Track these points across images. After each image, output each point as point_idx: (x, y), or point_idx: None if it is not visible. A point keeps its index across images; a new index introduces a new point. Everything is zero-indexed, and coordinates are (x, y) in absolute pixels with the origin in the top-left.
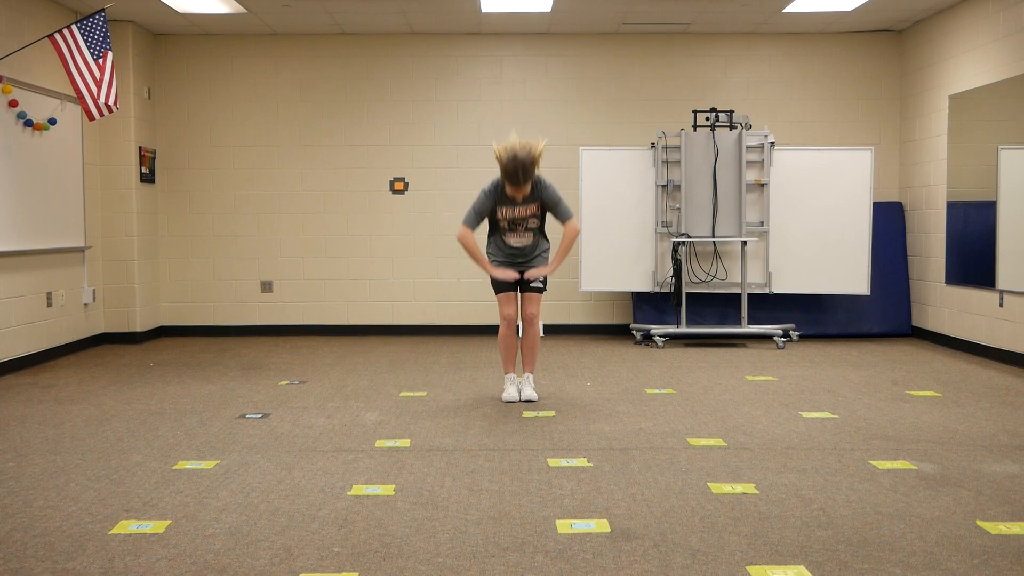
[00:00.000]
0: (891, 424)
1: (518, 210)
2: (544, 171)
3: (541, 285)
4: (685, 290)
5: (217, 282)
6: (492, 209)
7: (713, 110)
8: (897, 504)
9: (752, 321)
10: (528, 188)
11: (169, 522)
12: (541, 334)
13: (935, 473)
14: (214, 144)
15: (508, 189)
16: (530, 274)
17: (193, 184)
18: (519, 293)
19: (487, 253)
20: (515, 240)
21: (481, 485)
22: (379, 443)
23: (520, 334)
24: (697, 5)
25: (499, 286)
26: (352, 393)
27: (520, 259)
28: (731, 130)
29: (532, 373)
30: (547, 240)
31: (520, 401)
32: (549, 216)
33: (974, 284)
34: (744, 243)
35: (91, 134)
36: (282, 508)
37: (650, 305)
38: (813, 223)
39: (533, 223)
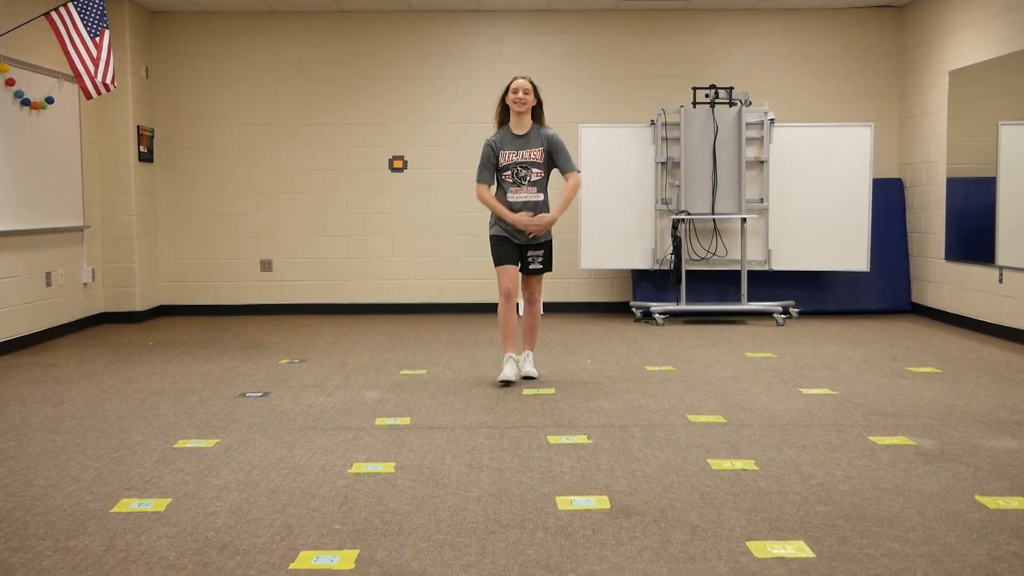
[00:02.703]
0: (890, 400)
1: (522, 153)
2: None
3: (541, 267)
4: (685, 267)
5: (216, 261)
6: (496, 159)
7: (713, 87)
8: (896, 479)
9: (752, 298)
10: (532, 97)
11: (170, 500)
12: (541, 312)
13: (934, 449)
14: (212, 123)
15: (510, 98)
16: (533, 228)
17: (192, 163)
18: (523, 273)
19: (491, 226)
20: (517, 196)
21: (481, 462)
22: (379, 421)
23: (520, 312)
24: None
25: (499, 257)
26: (352, 371)
27: (515, 234)
28: (731, 107)
29: (532, 351)
30: (550, 209)
31: (521, 378)
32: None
33: (974, 260)
34: (744, 220)
35: (89, 113)
36: (283, 486)
37: (650, 282)
38: (813, 200)
39: (537, 174)
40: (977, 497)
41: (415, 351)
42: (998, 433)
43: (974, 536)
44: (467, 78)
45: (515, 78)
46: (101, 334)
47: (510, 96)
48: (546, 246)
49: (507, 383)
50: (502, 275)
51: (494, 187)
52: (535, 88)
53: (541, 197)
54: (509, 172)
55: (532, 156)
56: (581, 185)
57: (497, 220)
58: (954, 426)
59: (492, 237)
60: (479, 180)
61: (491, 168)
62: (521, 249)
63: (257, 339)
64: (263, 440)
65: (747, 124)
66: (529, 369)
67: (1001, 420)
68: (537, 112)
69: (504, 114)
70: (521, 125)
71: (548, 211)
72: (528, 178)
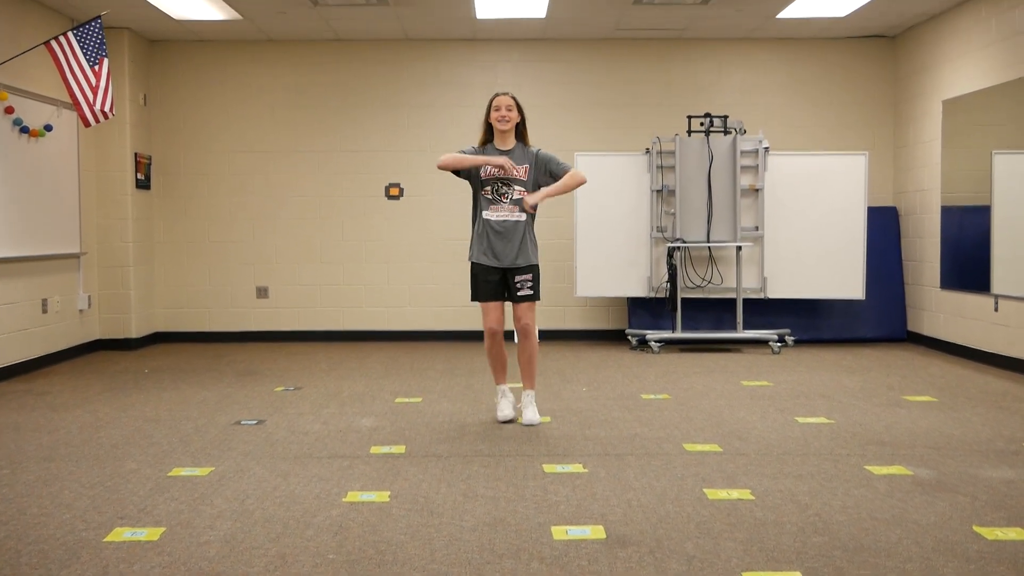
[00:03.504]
0: (887, 429)
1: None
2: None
3: (532, 292)
4: (680, 295)
5: (212, 288)
6: (476, 170)
7: (707, 115)
8: (893, 510)
9: (747, 326)
10: (516, 113)
11: (164, 529)
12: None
13: (931, 478)
14: (209, 150)
15: (494, 116)
16: (508, 168)
17: (188, 190)
18: (512, 302)
19: (470, 252)
20: (496, 214)
21: (476, 491)
22: (374, 449)
23: (516, 343)
24: (691, 11)
25: (478, 294)
26: (347, 399)
27: (502, 247)
28: (725, 135)
29: (533, 390)
30: (534, 233)
31: (523, 424)
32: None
33: (969, 289)
34: (739, 248)
35: (87, 140)
36: (277, 515)
37: (645, 310)
38: (808, 228)
39: (519, 192)
40: (975, 528)
41: (410, 379)
42: (995, 463)
43: (972, 567)
44: (462, 106)
45: (496, 95)
46: (96, 361)
47: (493, 114)
48: (532, 270)
49: (507, 421)
50: (485, 313)
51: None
52: (518, 104)
53: (523, 217)
54: (490, 188)
55: (515, 173)
56: (585, 180)
57: (474, 244)
58: (951, 456)
59: (472, 266)
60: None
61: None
62: (505, 276)
63: (252, 366)
64: (258, 468)
65: (742, 152)
66: (531, 416)
67: (998, 450)
68: (521, 129)
69: (488, 134)
70: (505, 142)
71: (530, 235)
72: (510, 195)
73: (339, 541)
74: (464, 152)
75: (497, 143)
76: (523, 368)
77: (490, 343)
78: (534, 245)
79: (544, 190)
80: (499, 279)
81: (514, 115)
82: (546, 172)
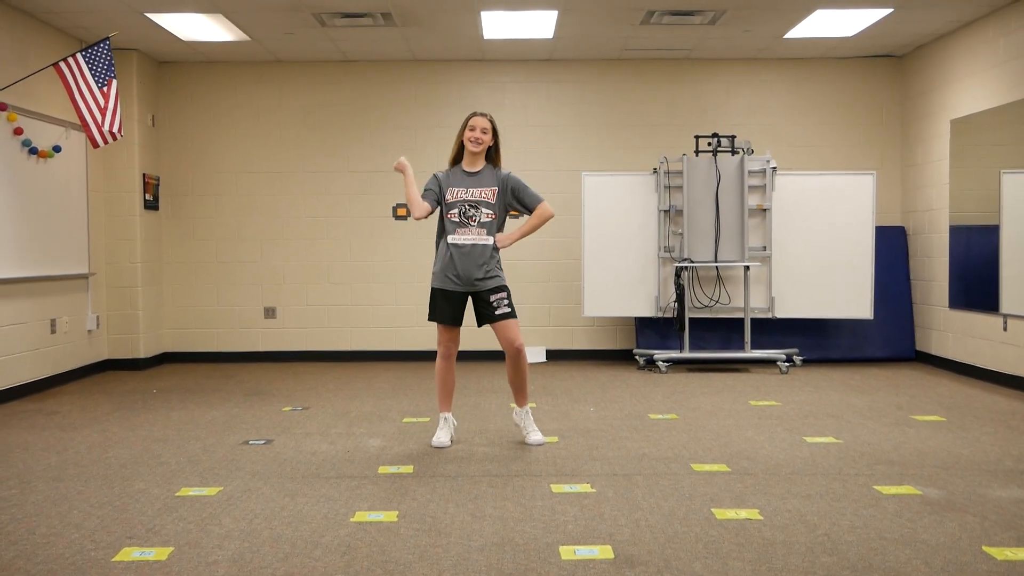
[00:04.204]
0: (895, 449)
1: (472, 191)
2: (546, 196)
3: (510, 310)
4: (688, 315)
5: (220, 308)
6: (441, 193)
7: (715, 135)
8: (902, 530)
9: (755, 346)
10: (490, 137)
11: (172, 549)
12: (543, 359)
13: (940, 498)
14: (217, 171)
15: (467, 135)
16: (499, 241)
17: (196, 210)
18: (492, 323)
19: (433, 272)
20: (463, 237)
21: (484, 511)
22: (382, 469)
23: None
24: (699, 31)
25: (434, 312)
26: (355, 419)
27: (467, 269)
28: (733, 155)
29: (525, 406)
30: (498, 258)
31: (531, 444)
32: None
33: (978, 308)
34: (747, 268)
35: (95, 161)
36: (285, 535)
37: (653, 330)
38: (816, 248)
39: (487, 215)
40: (984, 548)
41: (418, 399)
42: (1004, 482)
43: None
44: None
45: (473, 114)
46: (105, 381)
47: (467, 134)
48: (504, 288)
49: (441, 448)
50: (440, 333)
51: (434, 219)
52: (494, 128)
53: (490, 240)
54: (456, 211)
55: (483, 195)
56: (553, 215)
57: (440, 272)
58: (960, 475)
59: (432, 290)
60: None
61: (430, 195)
62: (475, 300)
63: (260, 386)
64: (265, 488)
65: (749, 172)
66: (537, 437)
67: (1007, 469)
68: (492, 153)
69: (459, 151)
70: (474, 164)
71: (496, 257)
72: (477, 218)
73: (347, 561)
74: (428, 185)
75: (465, 164)
76: (518, 388)
77: (444, 366)
78: (499, 266)
79: (517, 232)
80: (459, 302)
81: (487, 138)
82: (513, 197)
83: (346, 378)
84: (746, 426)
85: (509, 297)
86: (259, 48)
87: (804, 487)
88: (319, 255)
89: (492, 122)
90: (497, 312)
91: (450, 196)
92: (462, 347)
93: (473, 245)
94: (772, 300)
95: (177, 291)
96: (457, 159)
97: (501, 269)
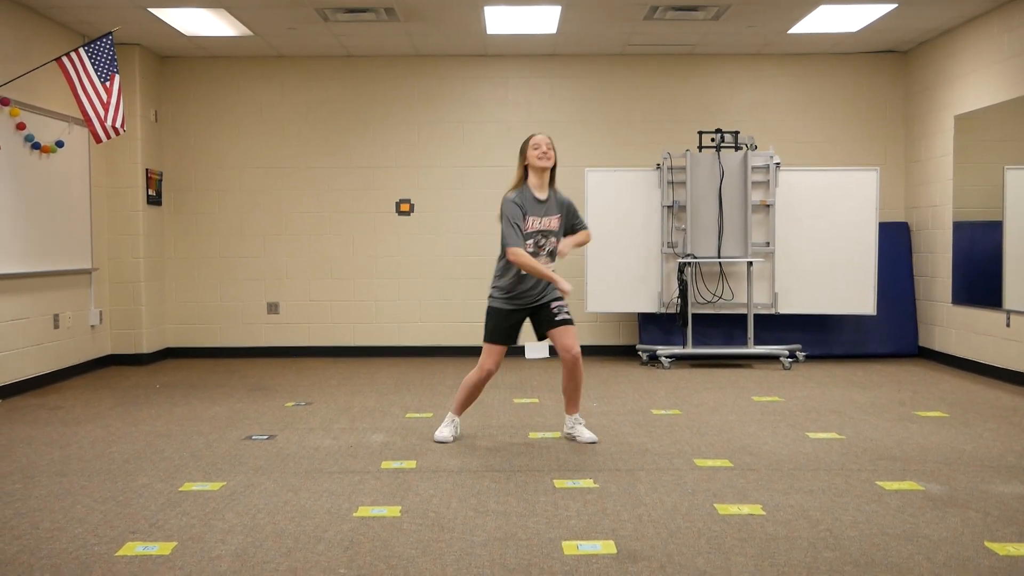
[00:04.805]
0: (898, 445)
1: (544, 221)
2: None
3: (570, 316)
4: (691, 311)
5: (223, 304)
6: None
7: (718, 131)
8: (904, 525)
9: (758, 341)
10: (553, 152)
11: (175, 544)
12: (547, 355)
13: (942, 494)
14: (220, 166)
15: (533, 154)
16: (560, 251)
17: (199, 206)
18: (553, 328)
19: (495, 297)
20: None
21: (487, 506)
22: (385, 464)
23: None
24: (702, 27)
25: (496, 334)
26: (358, 414)
27: (532, 299)
28: (736, 151)
29: (575, 414)
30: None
31: (585, 443)
32: None
33: (981, 304)
34: (750, 264)
35: (98, 156)
36: (288, 530)
37: (656, 326)
38: (819, 243)
39: (553, 243)
40: (986, 543)
41: (421, 394)
42: (1007, 478)
43: None
44: (473, 122)
45: (533, 135)
46: (108, 376)
47: (532, 152)
48: (561, 299)
49: (441, 443)
50: (490, 353)
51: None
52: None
53: (552, 265)
54: (531, 241)
55: (552, 224)
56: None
57: (507, 293)
58: (962, 471)
59: (494, 310)
60: (511, 244)
61: (523, 229)
62: (535, 313)
63: (263, 381)
64: (269, 483)
65: (753, 168)
66: (590, 435)
67: (1010, 465)
68: (552, 173)
69: (523, 173)
70: (542, 187)
71: (554, 288)
72: (546, 248)
73: (350, 556)
74: (514, 203)
75: (535, 187)
76: (571, 396)
77: (480, 381)
78: (556, 291)
79: (572, 242)
80: (520, 320)
81: (553, 154)
82: (568, 220)
83: (349, 373)
84: (749, 422)
85: (567, 306)
86: (262, 43)
87: (807, 483)
88: (322, 250)
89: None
90: (558, 318)
91: (528, 225)
92: (461, 342)
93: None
94: (775, 296)
95: (180, 286)
96: (522, 181)
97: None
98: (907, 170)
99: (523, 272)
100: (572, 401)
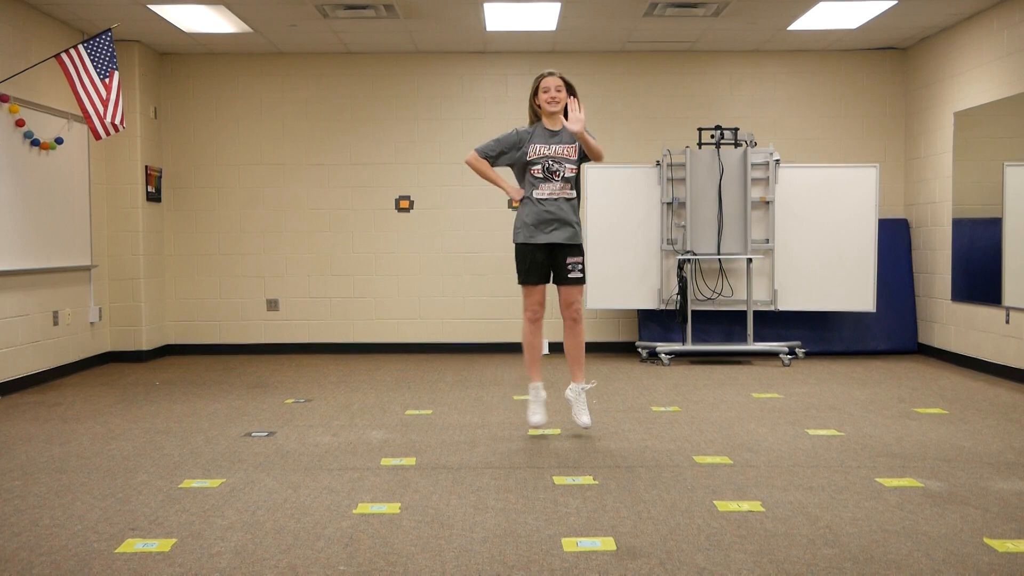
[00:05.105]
0: (897, 441)
1: (555, 148)
2: None
3: (582, 275)
4: (691, 307)
5: (223, 300)
6: (521, 150)
7: (718, 128)
8: (904, 522)
9: (758, 338)
10: (564, 94)
11: (175, 541)
12: (546, 352)
13: (942, 491)
14: (220, 163)
15: (542, 98)
16: (571, 118)
17: (199, 203)
18: (559, 284)
19: (515, 231)
20: (548, 191)
21: (487, 503)
22: (385, 461)
23: (554, 335)
24: (702, 23)
25: (525, 273)
26: (358, 411)
27: (552, 224)
28: (736, 147)
29: (583, 384)
30: (578, 212)
31: (582, 427)
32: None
33: (980, 301)
34: (749, 260)
35: (97, 153)
36: (287, 526)
37: (655, 322)
38: (819, 240)
39: (571, 170)
40: (986, 540)
41: (421, 391)
42: (1006, 475)
43: None
44: (472, 118)
45: (543, 75)
46: (107, 373)
47: (542, 95)
48: (581, 252)
49: (539, 427)
50: (528, 296)
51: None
52: (567, 83)
53: (574, 194)
54: (539, 166)
55: (566, 152)
56: (602, 159)
57: (521, 222)
58: (962, 468)
59: (519, 248)
60: (477, 149)
61: (498, 154)
62: (554, 256)
63: (263, 379)
64: (268, 480)
65: (752, 165)
66: (584, 420)
67: (1009, 462)
68: (566, 111)
69: (535, 114)
70: (555, 123)
71: (577, 214)
72: (561, 173)
73: (349, 552)
74: (515, 130)
75: (547, 123)
76: (573, 357)
77: (530, 330)
78: (579, 225)
79: (585, 133)
80: (544, 258)
81: (563, 95)
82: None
83: (348, 370)
84: (748, 418)
85: (583, 262)
86: (261, 40)
87: (806, 479)
88: (322, 247)
89: (564, 79)
90: (570, 275)
91: (532, 152)
92: (461, 339)
93: (557, 199)
94: (775, 293)
95: (180, 283)
96: (535, 121)
97: (580, 228)
98: (907, 167)
99: (534, 197)
100: (575, 364)
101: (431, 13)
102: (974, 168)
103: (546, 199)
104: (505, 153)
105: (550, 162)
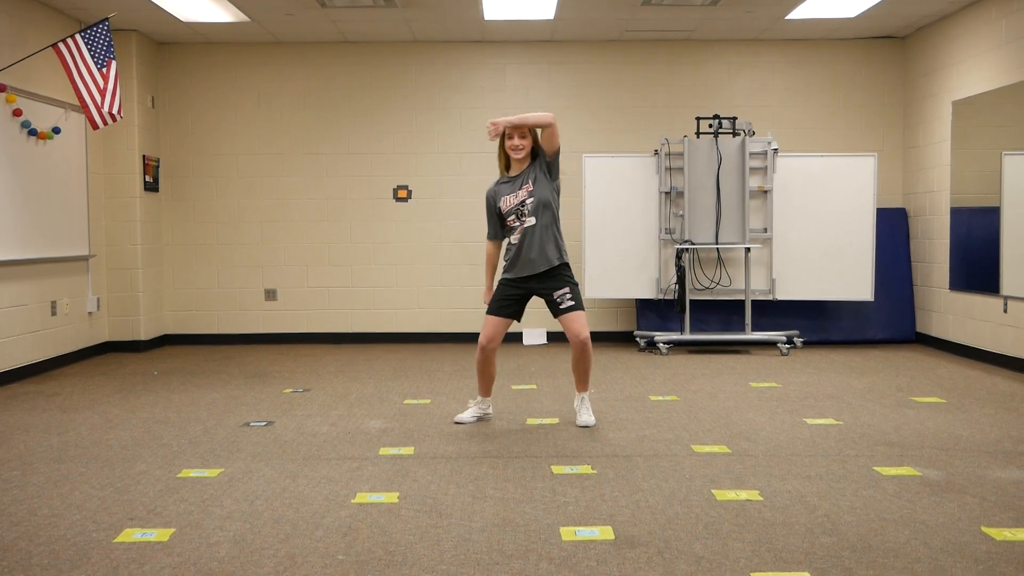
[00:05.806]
0: (895, 430)
1: (517, 194)
2: None
3: (573, 303)
4: (689, 297)
5: (221, 290)
6: (498, 209)
7: (716, 117)
8: (902, 510)
9: (756, 328)
10: (529, 139)
11: (173, 530)
12: (544, 341)
13: (940, 479)
14: (217, 152)
15: (507, 144)
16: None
17: (197, 192)
18: (559, 316)
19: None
20: (515, 234)
21: (485, 492)
22: (383, 451)
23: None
24: (700, 12)
25: (490, 305)
26: (356, 401)
27: (523, 257)
28: (734, 137)
29: (586, 392)
30: (559, 247)
31: (578, 426)
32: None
33: (978, 290)
34: (747, 250)
35: (95, 143)
36: (286, 516)
37: (654, 312)
38: (817, 229)
39: (531, 204)
40: (983, 528)
41: (419, 380)
42: (1004, 464)
43: (980, 568)
44: (471, 108)
45: (507, 128)
46: (105, 363)
47: (507, 143)
48: (566, 283)
49: (459, 423)
50: (485, 324)
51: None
52: (532, 130)
53: (532, 221)
54: (512, 216)
55: (524, 191)
56: (555, 129)
57: (508, 265)
58: (959, 456)
59: (499, 283)
60: (488, 237)
61: (495, 220)
62: (544, 293)
63: (261, 368)
64: (267, 469)
65: (751, 154)
66: (587, 419)
67: (1007, 450)
68: (534, 150)
69: (507, 162)
70: (518, 167)
71: (549, 234)
72: (524, 212)
73: (348, 542)
74: (488, 197)
75: (513, 170)
76: (580, 377)
77: (480, 357)
78: (556, 246)
79: (514, 118)
80: (520, 297)
81: (527, 143)
82: (541, 150)
83: (347, 360)
84: (746, 407)
85: (574, 292)
86: (259, 29)
87: (804, 468)
88: (320, 237)
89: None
90: (562, 306)
91: (504, 206)
92: (459, 328)
93: (523, 231)
94: (773, 282)
95: (177, 273)
96: (507, 166)
97: (559, 248)
98: (905, 156)
99: (516, 242)
100: (580, 381)
101: (429, 2)
102: (972, 157)
103: (513, 238)
104: (497, 217)
105: (518, 207)
